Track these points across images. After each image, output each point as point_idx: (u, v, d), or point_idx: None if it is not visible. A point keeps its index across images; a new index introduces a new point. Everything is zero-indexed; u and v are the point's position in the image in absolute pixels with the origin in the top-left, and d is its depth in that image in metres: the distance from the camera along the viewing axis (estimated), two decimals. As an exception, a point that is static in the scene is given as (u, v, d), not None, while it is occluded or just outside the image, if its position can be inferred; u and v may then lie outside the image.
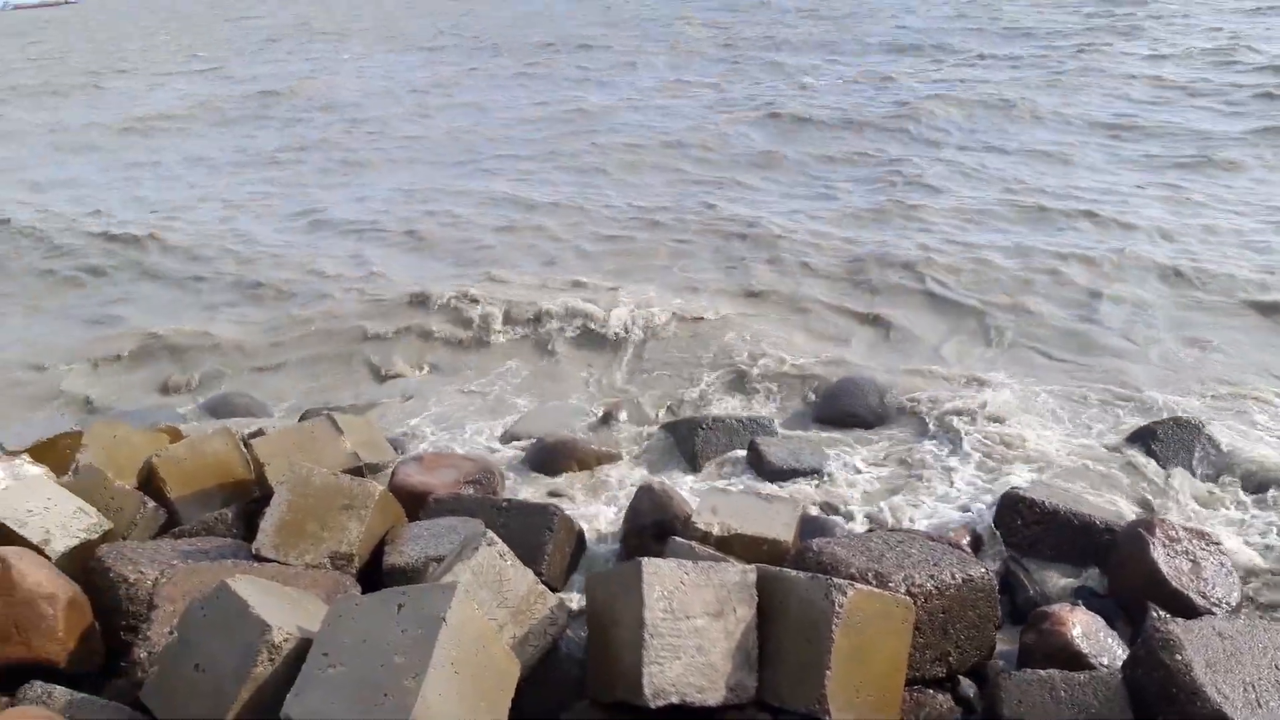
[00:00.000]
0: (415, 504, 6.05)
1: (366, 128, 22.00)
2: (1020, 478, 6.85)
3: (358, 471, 6.23)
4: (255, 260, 12.56)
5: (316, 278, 11.79)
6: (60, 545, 5.04)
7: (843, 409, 8.19)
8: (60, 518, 5.18)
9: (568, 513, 5.97)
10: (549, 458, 7.50)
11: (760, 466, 7.05)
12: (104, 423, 6.82)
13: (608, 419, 8.30)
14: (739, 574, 4.17)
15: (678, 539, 5.01)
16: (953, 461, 7.25)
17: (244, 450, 6.27)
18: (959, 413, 7.95)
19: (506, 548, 4.38)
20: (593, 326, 9.89)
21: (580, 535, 5.99)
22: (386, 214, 14.55)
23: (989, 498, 6.52)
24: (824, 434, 7.81)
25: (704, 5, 52.59)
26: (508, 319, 10.15)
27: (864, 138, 17.48)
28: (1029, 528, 5.89)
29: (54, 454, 6.57)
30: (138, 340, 10.19)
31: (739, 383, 8.93)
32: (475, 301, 10.34)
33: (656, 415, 8.40)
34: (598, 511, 6.72)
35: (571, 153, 17.88)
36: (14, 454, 6.39)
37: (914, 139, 17.25)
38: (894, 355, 9.34)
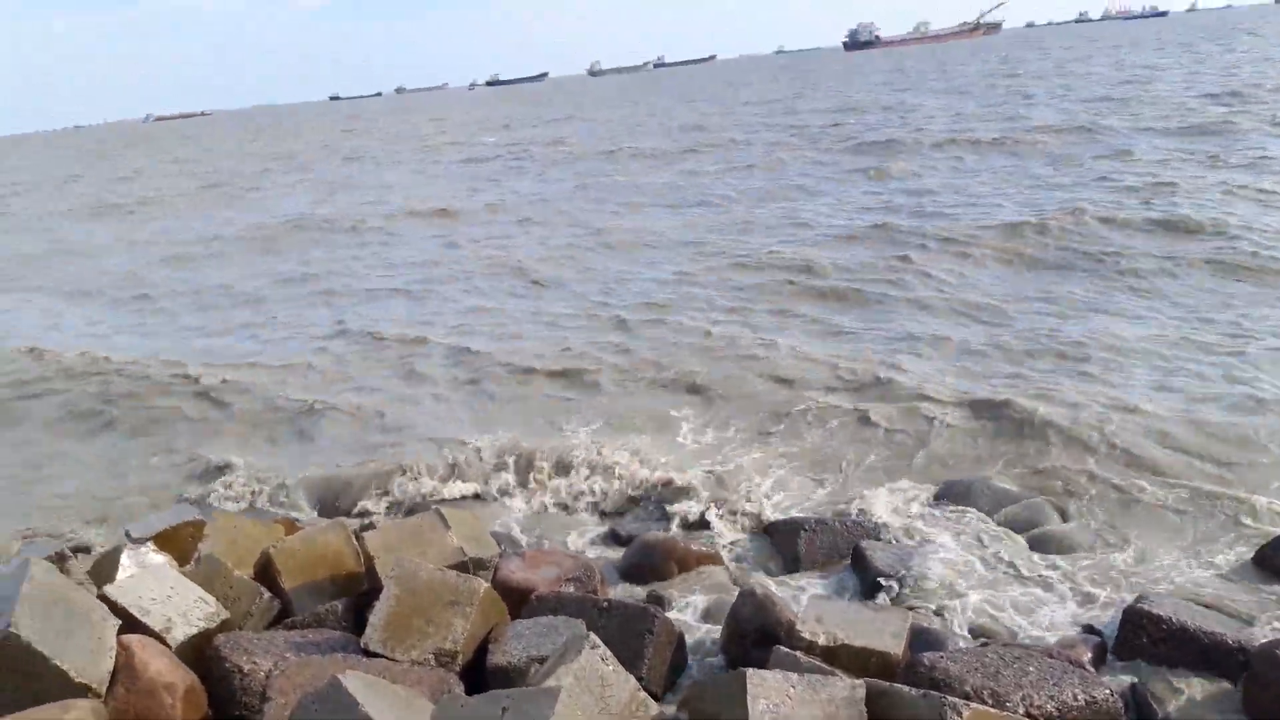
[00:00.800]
0: (517, 600, 6.09)
1: (476, 247, 21.94)
2: (1144, 589, 6.51)
3: (463, 567, 6.30)
4: (329, 387, 12.60)
5: (394, 403, 11.77)
6: (180, 633, 5.22)
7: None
8: (181, 606, 5.38)
9: (667, 615, 5.91)
10: (649, 558, 7.46)
11: (866, 572, 6.87)
12: (224, 513, 7.09)
13: (707, 519, 8.23)
14: (847, 689, 4.06)
15: (782, 648, 4.91)
16: (1073, 570, 6.94)
17: (355, 543, 6.43)
18: (1080, 518, 7.65)
19: (608, 651, 4.37)
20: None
21: (680, 639, 5.91)
22: (474, 332, 14.23)
23: (1112, 610, 6.21)
24: (932, 539, 7.58)
25: (818, 105, 53.49)
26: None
27: (1007, 254, 16.25)
28: (1155, 644, 5.57)
29: (177, 543, 6.86)
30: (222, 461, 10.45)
31: (842, 487, 8.77)
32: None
33: (758, 516, 8.28)
34: (698, 615, 6.63)
35: (656, 273, 17.40)
36: (140, 541, 6.69)
37: (1054, 254, 16.02)
38: (1003, 462, 9.04)
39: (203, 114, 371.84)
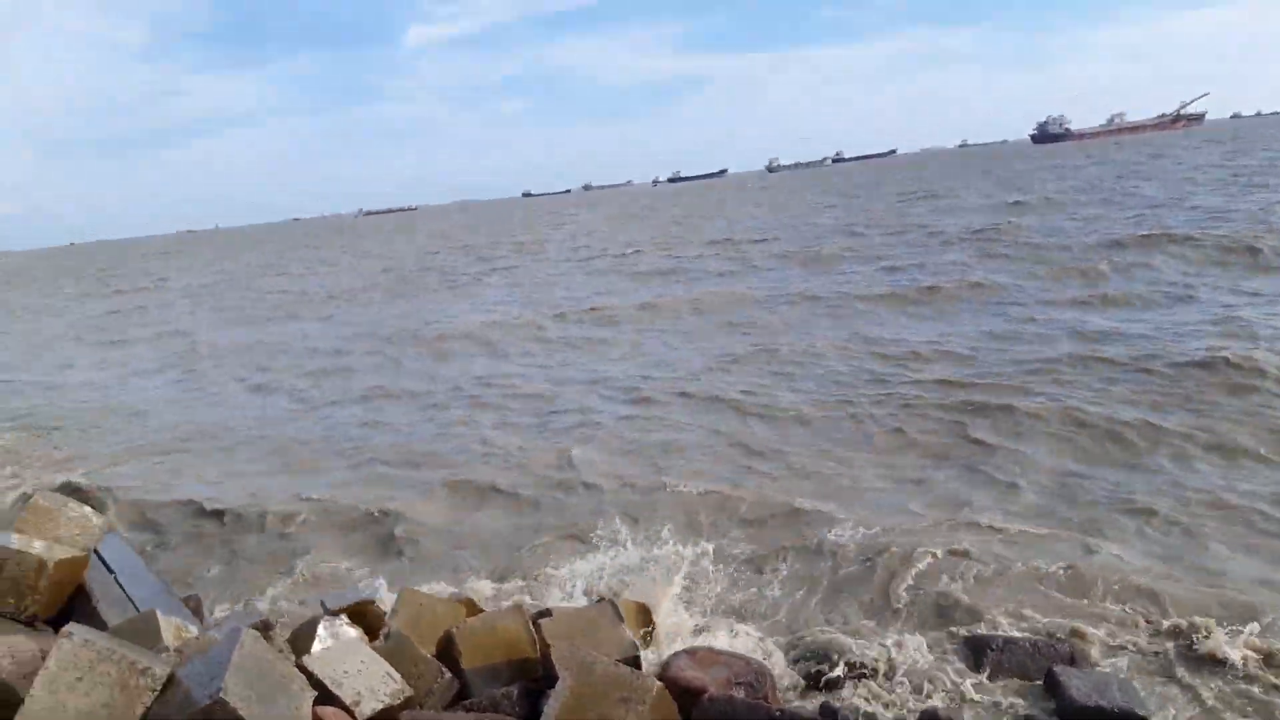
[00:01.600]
0: (686, 699, 6.03)
1: (635, 355, 21.10)
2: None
3: (635, 661, 6.32)
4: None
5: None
6: (368, 708, 5.45)
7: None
8: (370, 681, 5.62)
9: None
10: (822, 664, 7.23)
11: (1059, 699, 6.40)
12: (412, 590, 7.39)
13: (887, 627, 7.92)
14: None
15: (968, 775, 4.62)
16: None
17: (532, 629, 6.56)
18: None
19: (784, 765, 4.24)
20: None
21: (857, 756, 5.67)
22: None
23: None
24: (1136, 668, 7.00)
25: (1015, 198, 51.45)
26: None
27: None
28: None
29: (367, 616, 7.23)
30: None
31: (1016, 603, 8.24)
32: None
33: (939, 628, 7.90)
34: (876, 730, 6.35)
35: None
36: (334, 614, 7.06)
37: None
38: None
39: (409, 209, 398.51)
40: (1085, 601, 8.14)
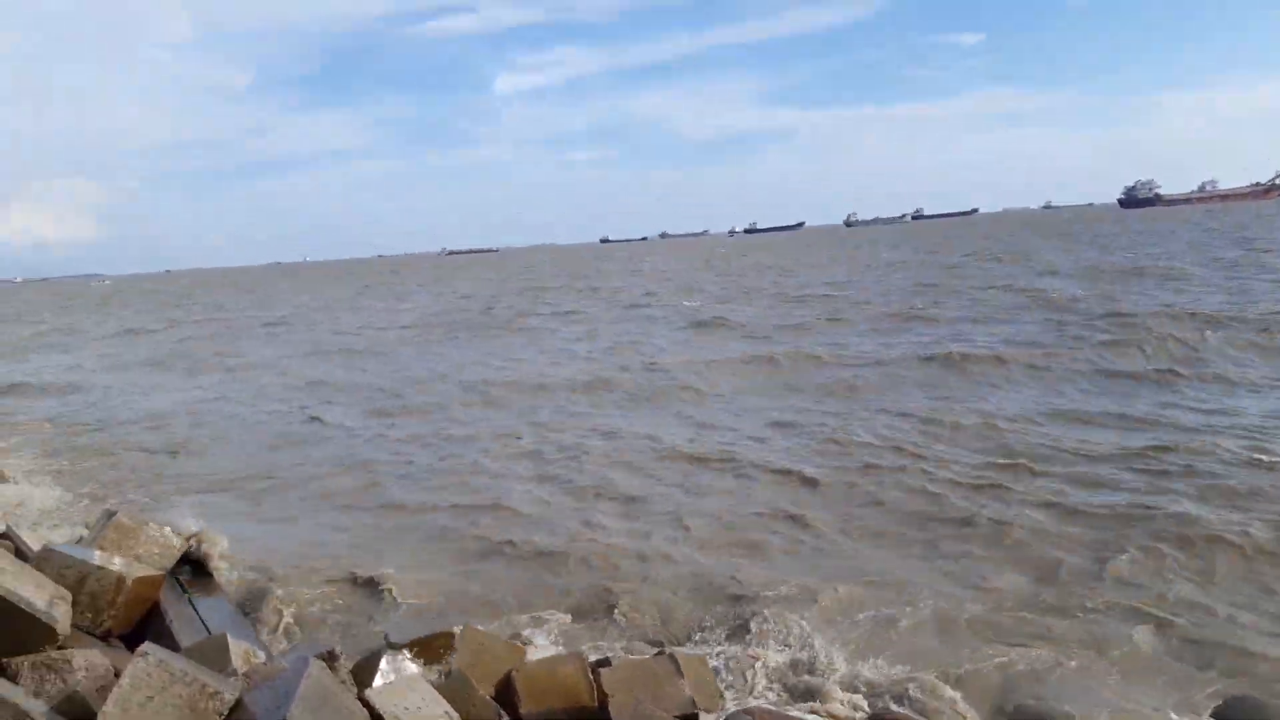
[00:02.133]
0: (744, 762, 5.91)
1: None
2: None
3: (693, 719, 6.23)
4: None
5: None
6: (425, 746, 5.45)
7: None
8: (429, 719, 5.63)
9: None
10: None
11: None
12: (473, 629, 7.41)
13: (954, 707, 7.67)
14: None
15: None
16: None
17: (590, 677, 6.52)
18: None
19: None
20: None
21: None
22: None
23: None
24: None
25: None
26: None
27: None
28: None
29: (430, 651, 7.29)
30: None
31: (1102, 682, 7.92)
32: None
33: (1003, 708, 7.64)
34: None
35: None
36: (398, 647, 7.12)
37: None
38: None
39: (491, 250, 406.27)
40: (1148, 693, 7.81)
